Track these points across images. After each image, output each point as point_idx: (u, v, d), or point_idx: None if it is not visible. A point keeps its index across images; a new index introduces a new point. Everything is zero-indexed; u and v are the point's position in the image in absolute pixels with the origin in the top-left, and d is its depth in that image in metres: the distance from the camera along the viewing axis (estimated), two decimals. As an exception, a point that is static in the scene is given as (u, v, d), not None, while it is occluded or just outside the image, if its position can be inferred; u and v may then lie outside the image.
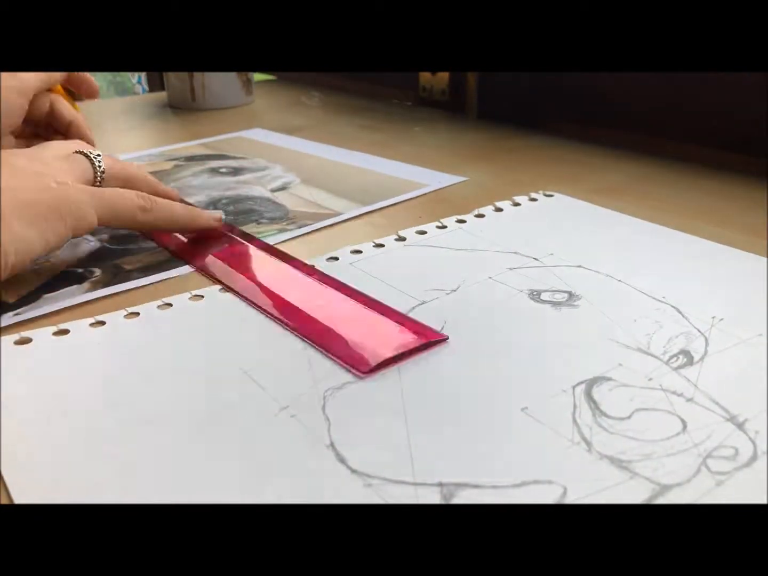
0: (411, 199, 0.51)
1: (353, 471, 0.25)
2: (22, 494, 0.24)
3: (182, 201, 0.46)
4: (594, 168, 0.59)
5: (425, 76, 0.79)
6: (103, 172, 0.41)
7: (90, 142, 0.51)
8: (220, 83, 0.82)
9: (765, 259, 0.41)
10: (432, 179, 0.55)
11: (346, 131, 0.72)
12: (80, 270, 0.41)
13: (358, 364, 0.31)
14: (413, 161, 0.60)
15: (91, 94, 0.55)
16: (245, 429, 0.27)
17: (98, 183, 0.41)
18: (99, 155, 0.42)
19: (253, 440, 0.27)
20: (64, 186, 0.37)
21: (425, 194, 0.52)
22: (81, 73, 0.52)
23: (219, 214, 0.45)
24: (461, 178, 0.56)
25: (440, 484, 0.24)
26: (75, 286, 0.39)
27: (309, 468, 0.25)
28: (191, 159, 0.63)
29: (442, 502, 0.23)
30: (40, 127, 0.53)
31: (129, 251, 0.43)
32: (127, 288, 0.39)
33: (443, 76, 0.77)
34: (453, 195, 0.52)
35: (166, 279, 0.40)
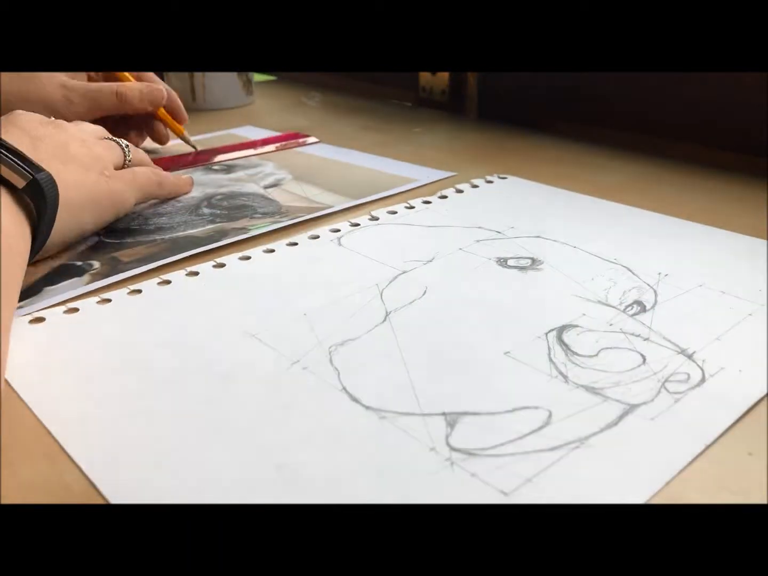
0: (400, 193, 0.53)
1: (367, 408, 0.29)
2: (74, 447, 0.27)
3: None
4: (594, 168, 0.59)
5: (425, 77, 0.80)
6: (129, 161, 0.50)
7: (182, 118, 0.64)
8: (220, 83, 0.82)
9: (698, 224, 0.46)
10: (422, 175, 0.57)
11: (346, 132, 0.72)
12: (79, 263, 0.42)
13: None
14: (413, 161, 0.61)
15: (180, 119, 0.64)
16: (263, 379, 0.31)
17: (126, 166, 0.49)
18: (128, 145, 0.50)
19: (272, 389, 0.30)
20: (111, 179, 0.46)
21: (415, 189, 0.54)
22: (173, 100, 0.62)
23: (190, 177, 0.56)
24: (450, 173, 0.57)
25: (444, 414, 0.28)
26: (75, 279, 0.40)
27: (328, 408, 0.29)
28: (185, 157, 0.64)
29: (448, 429, 0.27)
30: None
31: (125, 244, 0.45)
32: (127, 276, 0.40)
33: (443, 77, 0.78)
34: (441, 191, 0.53)
35: (164, 264, 0.42)
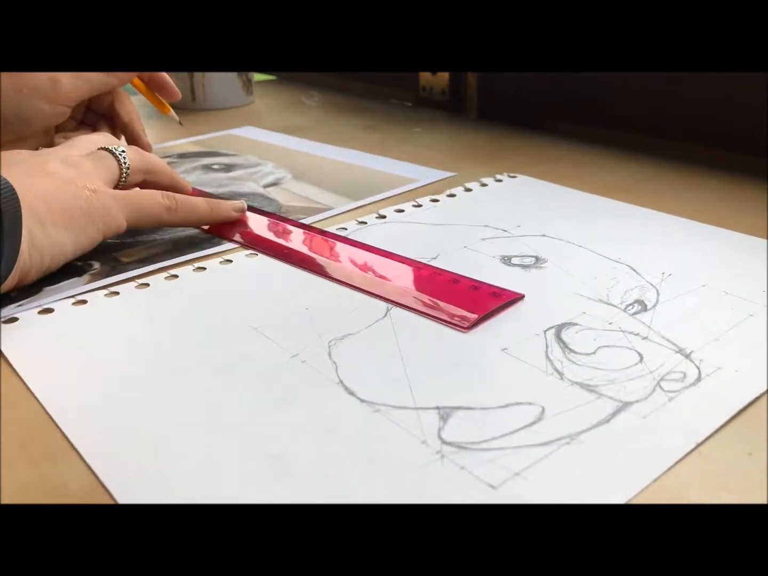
0: (401, 193, 0.53)
1: (362, 401, 0.29)
2: (82, 442, 0.28)
3: (200, 193, 0.49)
4: (594, 168, 0.59)
5: (425, 76, 0.80)
6: (128, 169, 0.43)
7: (145, 146, 0.54)
8: (220, 83, 0.83)
9: (705, 225, 0.46)
10: (421, 175, 0.57)
11: (345, 131, 0.72)
12: (79, 263, 0.42)
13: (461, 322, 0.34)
14: (413, 161, 0.61)
15: (169, 96, 0.58)
16: (262, 372, 0.31)
17: (124, 178, 0.43)
18: (123, 151, 0.44)
19: (271, 381, 0.30)
20: (96, 193, 0.40)
21: (415, 189, 0.54)
22: (160, 76, 0.55)
23: (241, 204, 0.47)
24: (450, 174, 0.57)
25: (438, 408, 0.28)
26: (75, 279, 0.40)
27: (323, 400, 0.29)
28: (184, 156, 0.65)
29: (441, 423, 0.28)
30: (104, 118, 0.56)
31: (126, 244, 0.45)
32: (127, 277, 0.40)
33: (443, 76, 0.78)
34: (443, 190, 0.53)
35: (164, 267, 0.42)
